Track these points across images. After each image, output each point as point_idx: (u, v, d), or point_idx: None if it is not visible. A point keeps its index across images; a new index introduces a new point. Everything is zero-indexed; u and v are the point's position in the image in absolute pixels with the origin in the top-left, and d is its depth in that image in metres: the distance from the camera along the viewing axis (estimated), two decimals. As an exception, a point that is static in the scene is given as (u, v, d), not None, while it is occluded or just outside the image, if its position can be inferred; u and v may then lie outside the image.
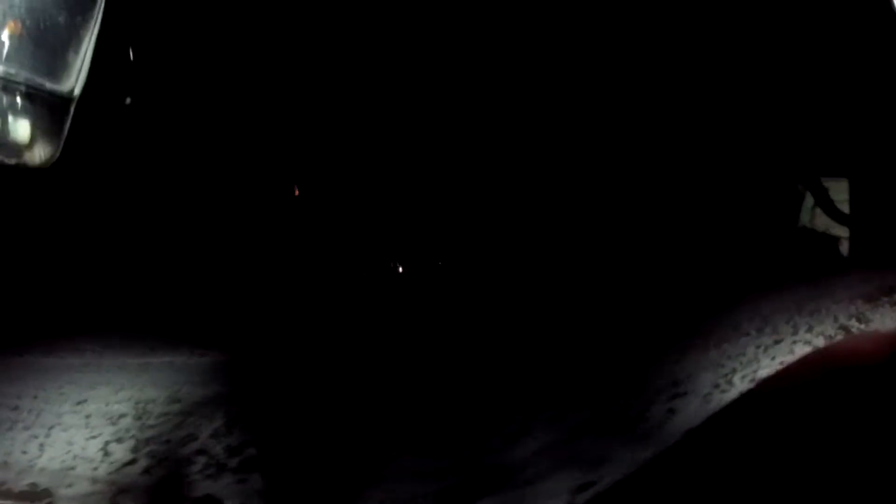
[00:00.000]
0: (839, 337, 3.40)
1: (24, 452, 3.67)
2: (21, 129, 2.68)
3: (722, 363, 3.64)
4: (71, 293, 5.01)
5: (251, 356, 4.73)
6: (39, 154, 2.76)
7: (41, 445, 3.70)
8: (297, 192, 6.18)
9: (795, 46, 4.36)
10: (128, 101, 4.99)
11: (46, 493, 3.16)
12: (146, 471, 3.40)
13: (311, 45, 5.49)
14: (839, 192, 4.32)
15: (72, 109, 2.52)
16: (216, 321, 5.15)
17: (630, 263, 4.83)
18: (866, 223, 4.07)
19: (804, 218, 4.54)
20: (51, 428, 3.85)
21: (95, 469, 3.48)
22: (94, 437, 3.74)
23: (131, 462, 3.49)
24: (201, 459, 3.44)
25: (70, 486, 3.29)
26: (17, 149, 2.71)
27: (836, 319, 3.51)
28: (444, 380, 4.37)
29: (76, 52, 2.45)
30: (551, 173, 5.37)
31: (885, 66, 3.91)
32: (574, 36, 5.14)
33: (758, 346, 3.64)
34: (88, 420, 3.91)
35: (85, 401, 4.09)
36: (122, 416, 3.94)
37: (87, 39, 2.44)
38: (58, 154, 2.66)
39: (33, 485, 3.25)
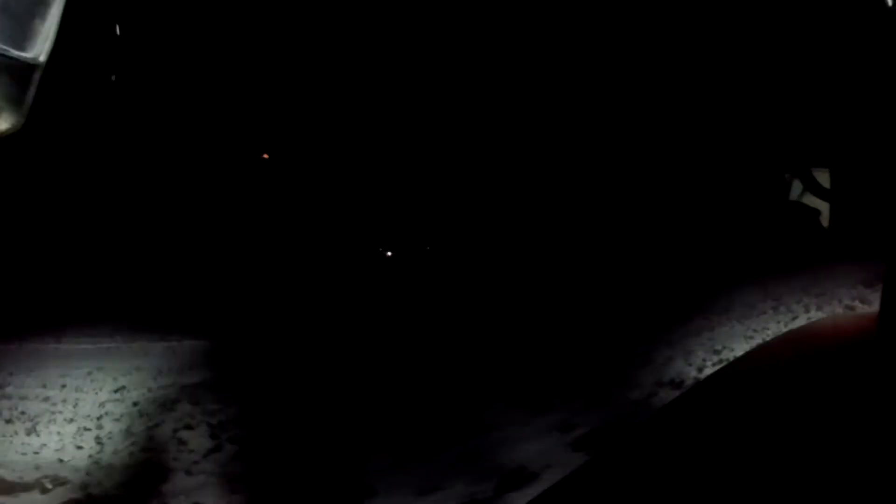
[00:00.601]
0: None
1: (80, 448, 3.37)
2: (-15, 97, 2.52)
3: (750, 335, 4.09)
4: (63, 279, 4.55)
5: (276, 341, 4.58)
6: (3, 123, 2.62)
7: (97, 438, 3.42)
8: (265, 156, 5.96)
9: (781, 50, 4.88)
10: (113, 77, 4.62)
11: (153, 492, 2.98)
12: (238, 457, 3.28)
13: (297, 20, 5.28)
14: (824, 181, 4.99)
15: (37, 77, 2.41)
16: (220, 306, 4.90)
17: (636, 245, 5.21)
18: (845, 203, 4.76)
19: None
20: (99, 419, 3.55)
21: (176, 460, 3.30)
22: (156, 426, 3.49)
23: (216, 449, 3.33)
24: (299, 439, 3.38)
25: (166, 481, 3.12)
26: (-19, 118, 2.54)
27: (840, 300, 4.06)
28: (456, 364, 4.51)
29: (42, 18, 2.36)
30: (550, 158, 5.59)
31: (866, 63, 4.49)
32: (560, 24, 5.33)
33: (777, 322, 4.13)
34: (138, 408, 3.64)
35: (124, 388, 3.78)
36: (176, 401, 3.70)
37: (54, 6, 2.34)
38: (22, 123, 2.53)
39: (125, 485, 3.04)
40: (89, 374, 3.92)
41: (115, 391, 3.80)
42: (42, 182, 4.68)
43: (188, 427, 3.50)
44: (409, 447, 3.36)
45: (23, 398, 3.64)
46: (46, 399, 3.67)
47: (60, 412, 3.59)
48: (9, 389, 3.71)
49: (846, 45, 4.56)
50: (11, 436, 3.39)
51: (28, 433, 3.43)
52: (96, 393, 3.76)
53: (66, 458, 3.30)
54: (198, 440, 3.39)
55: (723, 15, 5.05)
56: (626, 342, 4.33)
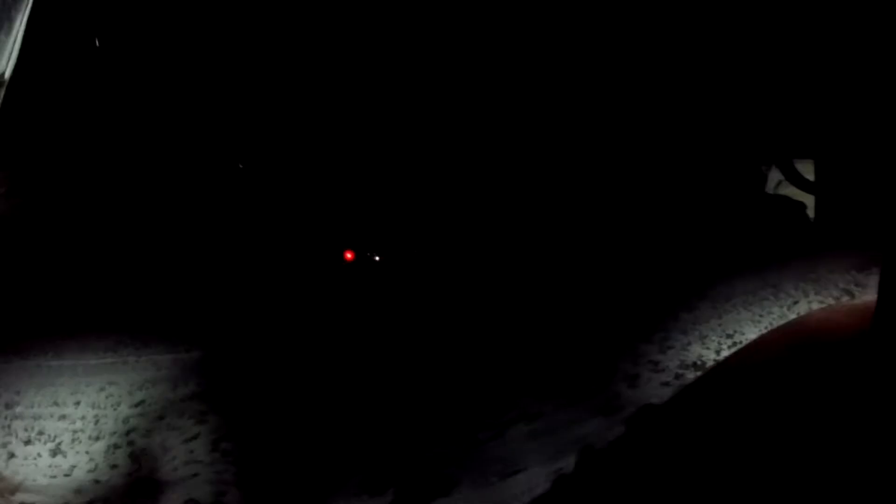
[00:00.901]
0: (845, 298, 4.25)
1: (115, 466, 3.16)
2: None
3: (757, 320, 4.31)
4: (55, 294, 4.20)
5: (288, 346, 4.41)
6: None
7: (133, 455, 3.20)
8: (240, 166, 5.76)
9: (769, 47, 5.09)
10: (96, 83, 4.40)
11: None
12: (302, 465, 3.14)
13: (278, 18, 5.13)
14: (807, 172, 5.30)
15: (2, 93, 2.39)
16: (218, 315, 4.67)
17: (629, 241, 5.37)
18: (830, 193, 5.03)
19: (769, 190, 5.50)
20: (127, 434, 3.33)
21: (225, 472, 3.13)
22: (193, 439, 3.31)
23: (271, 458, 3.19)
24: (356, 439, 3.28)
25: (222, 494, 2.95)
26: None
27: (836, 285, 4.33)
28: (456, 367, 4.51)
29: (7, 35, 2.36)
30: (538, 156, 5.66)
31: (852, 52, 4.74)
32: (550, 18, 5.39)
33: (780, 306, 4.36)
34: (166, 421, 3.43)
35: (143, 401, 3.55)
36: (203, 412, 3.51)
37: (17, 23, 2.35)
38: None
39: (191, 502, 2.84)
40: (102, 389, 3.65)
41: (136, 405, 3.57)
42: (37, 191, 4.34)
43: (224, 438, 3.34)
44: (465, 437, 3.36)
45: (37, 417, 3.37)
46: (63, 417, 3.40)
47: (84, 430, 3.35)
48: (19, 409, 3.42)
49: (833, 34, 4.75)
50: (35, 458, 3.14)
51: (53, 454, 3.18)
52: (116, 409, 3.52)
53: (102, 479, 3.09)
54: (243, 450, 3.25)
55: (704, 6, 5.19)
56: (641, 332, 4.48)
